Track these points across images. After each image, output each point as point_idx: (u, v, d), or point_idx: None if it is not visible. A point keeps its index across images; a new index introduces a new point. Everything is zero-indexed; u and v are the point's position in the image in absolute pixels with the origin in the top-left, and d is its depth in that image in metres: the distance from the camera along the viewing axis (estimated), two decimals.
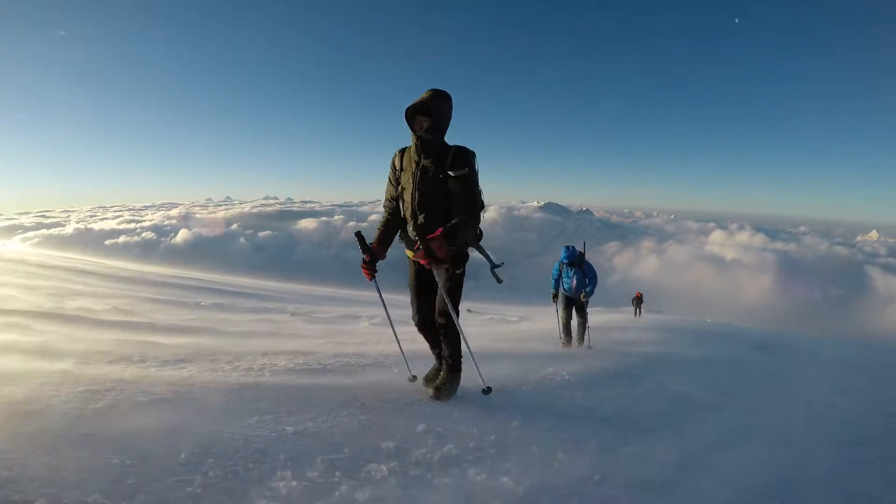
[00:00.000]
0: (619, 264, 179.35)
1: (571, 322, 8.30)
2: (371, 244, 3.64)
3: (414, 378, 4.03)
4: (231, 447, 2.48)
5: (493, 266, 3.88)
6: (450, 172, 3.30)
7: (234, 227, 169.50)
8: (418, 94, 3.34)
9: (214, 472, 2.24)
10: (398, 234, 3.76)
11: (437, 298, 3.71)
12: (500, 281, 3.91)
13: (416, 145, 3.38)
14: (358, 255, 3.59)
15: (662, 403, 4.56)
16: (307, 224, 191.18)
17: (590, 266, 8.08)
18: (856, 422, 5.08)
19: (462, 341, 3.79)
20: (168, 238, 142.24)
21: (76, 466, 2.12)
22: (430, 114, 3.30)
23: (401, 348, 4.14)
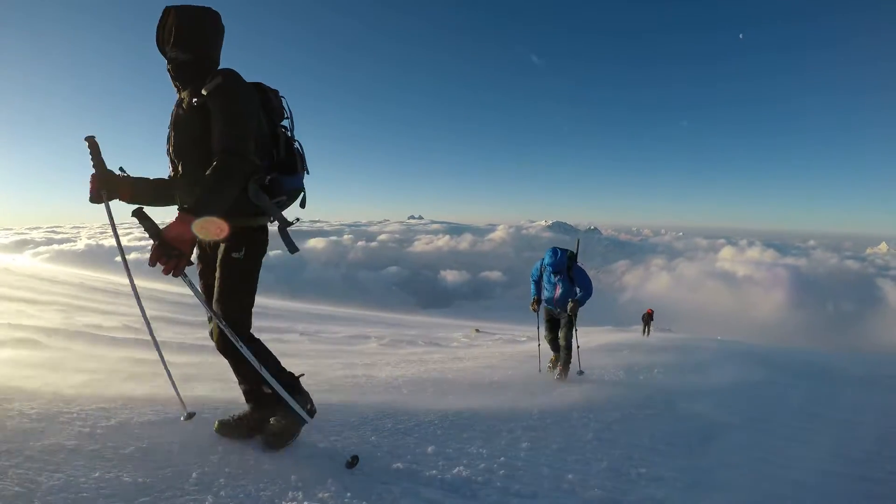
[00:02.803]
0: (629, 283, 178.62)
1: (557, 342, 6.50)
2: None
3: (190, 416, 2.90)
4: (242, 467, 2.49)
5: (285, 225, 2.70)
6: (202, 91, 2.38)
7: None
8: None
9: (226, 492, 2.25)
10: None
11: (214, 300, 2.62)
12: (292, 250, 2.76)
13: (169, 71, 2.51)
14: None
15: (673, 424, 4.53)
16: (316, 244, 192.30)
17: (581, 271, 6.15)
18: (868, 438, 5.02)
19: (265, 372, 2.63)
20: None
21: (89, 484, 2.14)
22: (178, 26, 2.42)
23: (168, 372, 2.92)
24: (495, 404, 3.86)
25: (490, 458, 3.06)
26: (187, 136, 2.47)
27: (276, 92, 2.73)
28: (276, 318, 13.56)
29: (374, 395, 4.27)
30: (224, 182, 2.27)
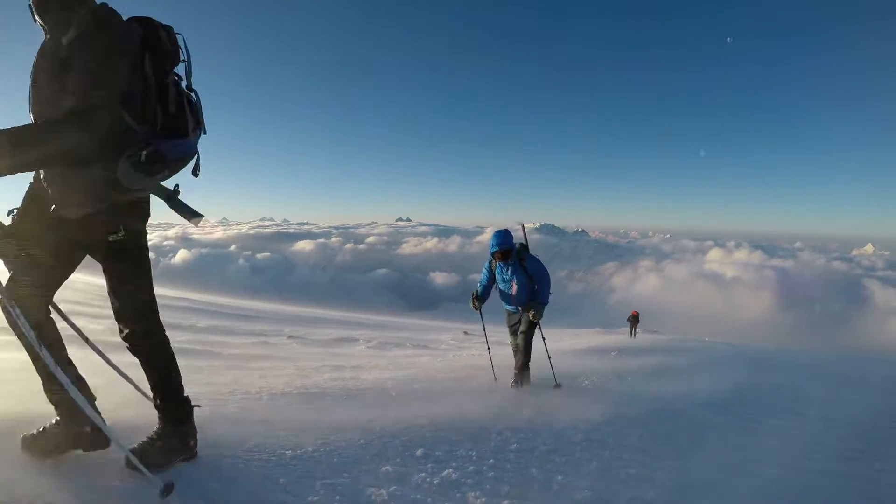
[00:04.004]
0: (617, 285, 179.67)
1: (522, 342, 5.44)
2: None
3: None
4: (231, 472, 2.47)
5: (170, 195, 2.09)
6: (62, 40, 1.89)
7: (232, 248, 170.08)
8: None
9: (216, 496, 2.23)
10: None
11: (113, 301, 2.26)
12: (193, 217, 2.12)
13: (30, 6, 1.97)
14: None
15: (663, 425, 4.54)
16: (304, 246, 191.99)
17: (535, 262, 5.38)
18: (856, 437, 5.07)
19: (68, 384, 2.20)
20: (167, 258, 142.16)
21: (76, 490, 2.10)
22: None
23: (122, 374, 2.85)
24: (484, 406, 3.85)
25: (479, 461, 3.06)
26: (48, 94, 1.93)
27: (169, 29, 2.16)
28: (263, 321, 13.47)
29: (363, 398, 4.25)
30: (55, 144, 1.82)
